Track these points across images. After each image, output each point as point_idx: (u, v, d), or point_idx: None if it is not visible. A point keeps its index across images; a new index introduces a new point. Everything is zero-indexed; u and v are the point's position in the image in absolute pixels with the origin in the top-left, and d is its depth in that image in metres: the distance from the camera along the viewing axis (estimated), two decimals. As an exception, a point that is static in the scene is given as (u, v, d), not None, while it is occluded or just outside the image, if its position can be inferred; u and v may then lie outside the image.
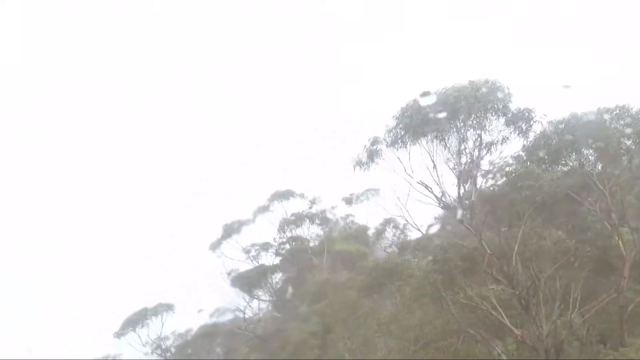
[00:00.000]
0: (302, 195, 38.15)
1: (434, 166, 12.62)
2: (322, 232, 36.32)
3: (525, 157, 14.47)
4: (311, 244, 35.22)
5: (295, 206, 37.96)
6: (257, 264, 36.85)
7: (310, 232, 35.71)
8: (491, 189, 13.48)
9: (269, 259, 36.98)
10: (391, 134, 12.48)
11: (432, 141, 12.60)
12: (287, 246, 36.76)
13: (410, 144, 12.44)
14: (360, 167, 13.18)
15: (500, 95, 11.75)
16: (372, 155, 12.91)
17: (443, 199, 12.90)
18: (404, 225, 42.35)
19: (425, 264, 14.50)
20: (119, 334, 33.41)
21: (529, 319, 12.83)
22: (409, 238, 40.07)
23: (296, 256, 34.82)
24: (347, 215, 37.38)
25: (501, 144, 13.05)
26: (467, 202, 13.00)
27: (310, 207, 36.09)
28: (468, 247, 13.91)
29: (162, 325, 35.18)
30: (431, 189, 13.48)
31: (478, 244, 12.66)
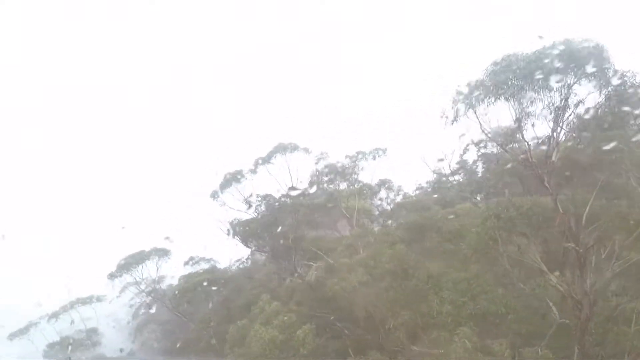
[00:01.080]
0: (306, 150, 37.63)
1: (520, 124, 12.67)
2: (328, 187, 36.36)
3: (576, 123, 14.82)
4: (317, 200, 35.20)
5: (298, 160, 37.59)
6: (257, 215, 36.58)
7: (321, 186, 35.62)
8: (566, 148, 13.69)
9: (270, 210, 36.84)
10: (484, 84, 12.24)
11: (516, 97, 12.53)
12: (288, 200, 36.66)
13: (507, 98, 12.30)
14: (448, 120, 13.05)
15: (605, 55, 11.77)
16: (460, 110, 12.76)
17: (527, 157, 13.07)
18: (398, 187, 43.64)
19: (482, 222, 14.87)
20: (113, 276, 32.71)
21: (580, 275, 13.74)
22: (398, 200, 41.70)
23: (301, 210, 34.70)
24: (352, 173, 37.39)
25: (575, 106, 13.23)
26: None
27: (317, 162, 35.86)
28: (527, 207, 14.49)
29: (157, 270, 34.81)
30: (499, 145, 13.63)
31: (553, 203, 13.11)
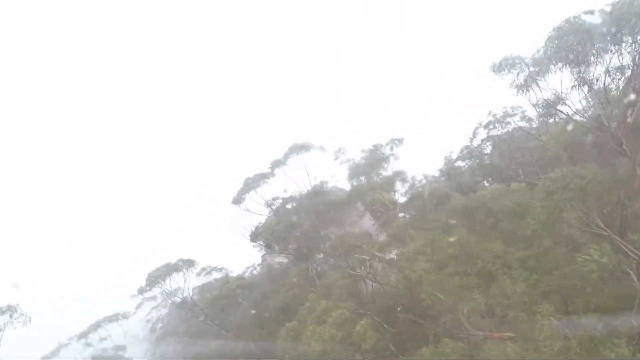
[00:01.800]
0: (322, 148, 37.18)
1: (591, 88, 12.35)
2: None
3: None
4: (339, 197, 34.81)
5: (314, 159, 37.14)
6: (278, 217, 36.05)
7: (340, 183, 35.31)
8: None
9: (291, 211, 36.39)
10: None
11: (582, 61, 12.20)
12: (310, 200, 36.20)
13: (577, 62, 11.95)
14: (519, 90, 12.74)
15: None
16: (532, 77, 12.44)
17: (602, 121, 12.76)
18: (412, 177, 43.41)
19: (548, 195, 14.51)
20: (142, 290, 32.11)
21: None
22: (412, 192, 41.41)
23: (324, 208, 34.23)
24: (380, 164, 36.90)
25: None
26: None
27: (337, 158, 35.53)
28: (590, 177, 14.22)
29: (185, 281, 34.15)
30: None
31: (630, 167, 12.81)
